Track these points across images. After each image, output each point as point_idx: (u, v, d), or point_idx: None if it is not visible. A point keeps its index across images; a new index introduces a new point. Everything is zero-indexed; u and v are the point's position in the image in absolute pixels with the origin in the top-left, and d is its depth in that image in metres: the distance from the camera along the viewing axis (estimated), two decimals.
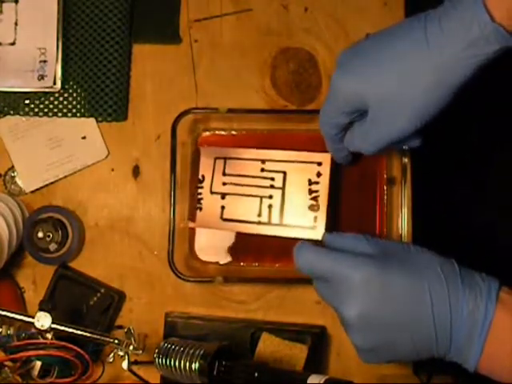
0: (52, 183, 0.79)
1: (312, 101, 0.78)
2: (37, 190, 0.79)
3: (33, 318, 0.65)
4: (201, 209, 0.76)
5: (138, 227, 0.78)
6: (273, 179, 0.75)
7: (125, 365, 0.67)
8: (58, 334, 0.66)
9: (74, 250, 0.76)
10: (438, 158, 1.03)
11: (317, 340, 0.74)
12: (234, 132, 0.77)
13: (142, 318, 0.77)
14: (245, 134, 0.77)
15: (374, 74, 0.58)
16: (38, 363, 0.67)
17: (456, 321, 0.54)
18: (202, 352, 0.66)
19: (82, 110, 0.78)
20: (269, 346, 0.73)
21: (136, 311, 0.78)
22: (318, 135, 0.76)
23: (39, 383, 0.68)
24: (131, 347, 0.67)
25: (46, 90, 0.78)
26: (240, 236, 0.76)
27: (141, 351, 0.68)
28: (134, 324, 0.73)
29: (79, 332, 0.66)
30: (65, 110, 0.78)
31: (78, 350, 0.66)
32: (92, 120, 0.79)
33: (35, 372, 0.68)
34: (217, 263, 0.76)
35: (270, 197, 0.75)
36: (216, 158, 0.76)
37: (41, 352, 0.66)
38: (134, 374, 0.70)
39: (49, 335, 0.66)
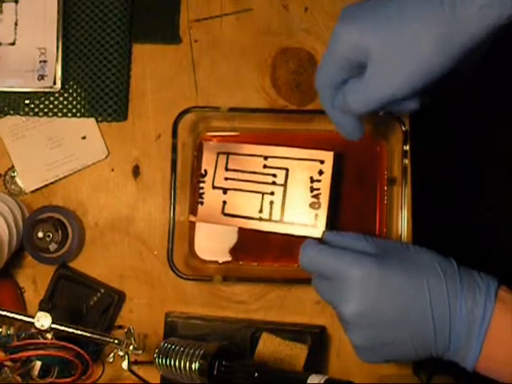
0: (52, 183, 0.79)
1: (312, 101, 0.78)
2: (37, 189, 0.79)
3: (33, 318, 0.65)
4: (202, 203, 0.76)
5: (138, 227, 0.78)
6: (275, 176, 0.75)
7: (125, 365, 0.67)
8: (58, 334, 0.66)
9: (73, 249, 0.76)
10: (438, 158, 1.03)
11: (317, 340, 0.74)
12: (234, 132, 0.77)
13: (142, 318, 0.77)
14: (245, 133, 0.77)
15: (380, 26, 0.55)
16: (38, 363, 0.67)
17: (455, 319, 0.54)
18: (202, 352, 0.66)
19: (82, 110, 0.78)
20: (269, 346, 0.73)
21: (136, 311, 0.78)
22: (319, 135, 0.77)
23: (39, 383, 0.68)
24: (131, 347, 0.67)
25: (46, 90, 0.78)
26: (240, 235, 0.76)
27: (141, 351, 0.68)
28: (134, 324, 0.73)
29: (79, 332, 0.66)
30: (65, 110, 0.78)
31: (78, 350, 0.66)
32: (92, 120, 0.79)
33: (35, 372, 0.68)
34: (216, 262, 0.76)
35: (272, 193, 0.75)
36: (219, 153, 0.76)
37: (41, 352, 0.66)
38: (134, 374, 0.70)
39: (49, 335, 0.65)
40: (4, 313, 0.65)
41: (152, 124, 0.79)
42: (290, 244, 0.75)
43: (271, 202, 0.75)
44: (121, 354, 0.67)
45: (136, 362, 0.73)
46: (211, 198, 0.76)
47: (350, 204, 0.76)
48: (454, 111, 1.05)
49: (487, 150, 1.06)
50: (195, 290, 0.77)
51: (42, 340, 0.66)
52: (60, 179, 0.79)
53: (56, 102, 0.78)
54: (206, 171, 0.76)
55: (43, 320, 0.65)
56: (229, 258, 0.76)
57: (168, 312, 0.76)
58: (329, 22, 0.78)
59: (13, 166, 0.79)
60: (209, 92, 0.79)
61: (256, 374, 0.63)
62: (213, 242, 0.77)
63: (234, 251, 0.76)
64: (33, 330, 0.66)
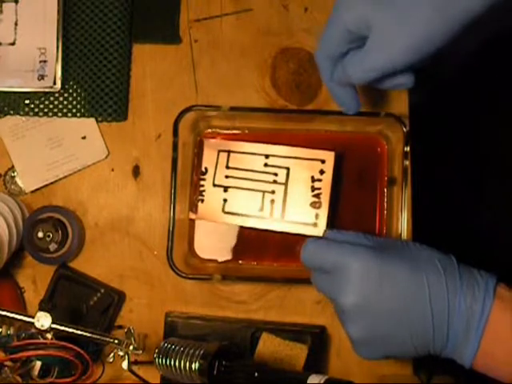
0: (52, 183, 0.79)
1: (312, 101, 0.78)
2: (37, 189, 0.79)
3: (33, 318, 0.65)
4: (202, 201, 0.76)
5: (138, 227, 0.78)
6: (276, 174, 0.75)
7: (125, 365, 0.67)
8: (58, 334, 0.66)
9: (74, 250, 0.76)
10: (438, 158, 1.03)
11: (317, 340, 0.74)
12: (235, 131, 0.77)
13: (142, 318, 0.77)
14: (246, 132, 0.77)
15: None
16: (38, 363, 0.67)
17: (453, 314, 0.54)
18: (202, 352, 0.66)
19: (82, 110, 0.78)
20: (269, 345, 0.73)
21: (136, 311, 0.78)
22: (320, 135, 0.77)
23: (39, 383, 0.68)
24: (131, 347, 0.67)
25: (46, 90, 0.78)
26: (239, 234, 0.76)
27: (141, 351, 0.68)
28: (134, 324, 0.73)
29: (79, 332, 0.66)
30: (65, 110, 0.78)
31: (78, 350, 0.66)
32: (92, 120, 0.79)
33: (35, 372, 0.68)
34: (215, 261, 0.76)
35: (273, 192, 0.75)
36: (220, 151, 0.76)
37: (41, 352, 0.65)
38: (134, 374, 0.70)
39: (49, 335, 0.65)
40: (4, 313, 0.65)
41: (152, 124, 0.79)
42: (289, 243, 0.75)
43: (272, 201, 0.75)
44: (121, 353, 0.67)
45: (136, 362, 0.73)
46: (211, 196, 0.76)
47: (351, 204, 0.76)
48: (454, 111, 1.05)
49: (487, 150, 1.06)
50: (195, 290, 0.77)
51: (42, 340, 0.66)
52: (60, 179, 0.79)
53: (56, 102, 0.78)
54: (206, 169, 0.76)
55: (43, 320, 0.64)
56: (228, 257, 0.76)
57: (168, 312, 0.76)
58: None
59: (13, 166, 0.79)
60: (209, 92, 0.79)
61: (256, 374, 0.63)
62: (212, 241, 0.77)
63: (233, 250, 0.76)
64: (33, 330, 0.66)
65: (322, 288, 0.60)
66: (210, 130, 0.77)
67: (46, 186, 0.79)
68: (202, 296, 0.77)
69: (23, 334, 0.66)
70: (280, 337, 0.73)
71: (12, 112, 0.78)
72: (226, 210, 0.76)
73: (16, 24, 0.79)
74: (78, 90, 0.78)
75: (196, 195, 0.76)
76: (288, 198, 0.75)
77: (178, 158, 0.74)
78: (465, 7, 0.53)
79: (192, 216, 0.76)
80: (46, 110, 0.78)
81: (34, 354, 0.65)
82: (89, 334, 0.67)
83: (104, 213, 0.78)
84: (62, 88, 0.78)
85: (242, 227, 0.76)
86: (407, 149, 0.72)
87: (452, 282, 0.55)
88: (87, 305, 0.76)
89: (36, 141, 0.79)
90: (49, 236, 0.73)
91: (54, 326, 0.65)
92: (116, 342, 0.67)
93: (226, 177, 0.76)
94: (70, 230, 0.75)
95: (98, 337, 0.67)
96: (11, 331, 0.66)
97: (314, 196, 0.74)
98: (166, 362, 0.67)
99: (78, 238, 0.76)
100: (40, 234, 0.73)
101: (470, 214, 1.05)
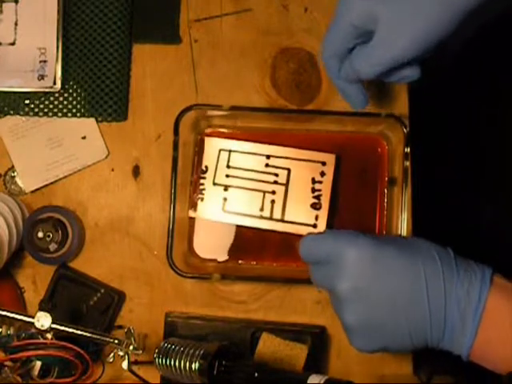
0: (52, 183, 0.79)
1: (312, 101, 0.78)
2: (37, 189, 0.79)
3: (33, 318, 0.65)
4: (202, 199, 0.76)
5: (138, 227, 0.78)
6: (277, 175, 0.75)
7: (125, 365, 0.67)
8: (58, 334, 0.66)
9: (74, 250, 0.76)
10: (438, 158, 1.03)
11: (317, 340, 0.74)
12: (235, 130, 0.77)
13: (142, 318, 0.77)
14: (246, 132, 0.77)
15: None
16: (38, 363, 0.67)
17: (450, 302, 0.54)
18: (202, 352, 0.66)
19: (82, 110, 0.78)
20: (269, 346, 0.73)
21: (136, 311, 0.78)
22: (320, 136, 0.77)
23: (39, 383, 0.68)
24: (131, 347, 0.67)
25: (46, 90, 0.78)
26: (239, 234, 0.76)
27: (141, 351, 0.68)
28: (134, 324, 0.73)
29: (79, 332, 0.66)
30: (65, 110, 0.78)
31: (78, 350, 0.66)
32: (92, 120, 0.79)
33: (35, 372, 0.68)
34: (215, 261, 0.76)
35: (273, 192, 0.75)
36: (221, 150, 0.76)
37: (41, 352, 0.65)
38: (134, 374, 0.70)
39: (49, 335, 0.65)
40: (4, 313, 0.65)
41: (152, 124, 0.79)
42: (289, 244, 0.75)
43: (272, 201, 0.75)
44: (121, 354, 0.67)
45: (136, 362, 0.73)
46: (211, 195, 0.76)
47: (351, 204, 0.76)
48: (454, 112, 1.05)
49: (487, 150, 1.06)
50: (195, 290, 0.77)
51: (42, 340, 0.66)
52: (60, 179, 0.79)
53: (56, 102, 0.78)
54: (206, 167, 0.77)
55: (43, 320, 0.64)
56: (227, 257, 0.76)
57: (168, 312, 0.76)
58: (329, 22, 0.78)
59: (13, 166, 0.79)
60: (209, 92, 0.79)
61: (256, 374, 0.63)
62: (212, 241, 0.77)
63: (233, 250, 0.76)
64: (33, 330, 0.66)
65: (320, 280, 0.59)
66: (210, 130, 0.77)
67: (46, 185, 0.79)
68: (202, 296, 0.77)
69: (23, 334, 0.66)
70: (280, 337, 0.73)
71: (12, 112, 0.78)
72: (226, 209, 0.76)
73: (16, 24, 0.79)
74: (78, 90, 0.78)
75: (196, 193, 0.76)
76: (288, 198, 0.75)
77: (179, 157, 0.74)
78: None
79: (192, 214, 0.76)
80: (46, 110, 0.78)
81: (34, 354, 0.65)
82: (89, 334, 0.67)
83: (104, 213, 0.78)
84: (62, 88, 0.78)
85: (241, 227, 0.76)
86: (407, 149, 0.72)
87: (448, 269, 0.55)
88: (87, 305, 0.76)
89: (36, 141, 0.79)
90: (49, 236, 0.73)
91: (53, 326, 0.65)
92: (116, 342, 0.67)
93: (227, 176, 0.76)
94: (70, 230, 0.75)
95: (98, 337, 0.67)
96: (11, 331, 0.66)
97: (315, 197, 0.74)
98: (165, 362, 0.67)
99: (78, 238, 0.76)
100: (40, 234, 0.73)
101: (470, 214, 1.05)
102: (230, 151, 0.76)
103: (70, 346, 0.65)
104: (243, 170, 0.76)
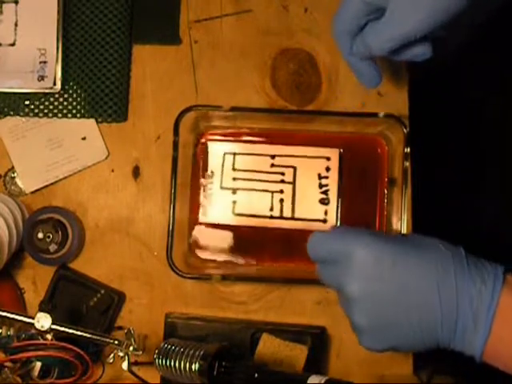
0: (52, 184, 0.79)
1: (312, 101, 0.78)
2: (37, 190, 0.79)
3: (33, 318, 0.65)
4: (211, 204, 0.76)
5: (138, 228, 0.78)
6: (283, 174, 0.76)
7: (125, 365, 0.67)
8: (58, 335, 0.66)
9: (74, 250, 0.76)
10: (438, 159, 1.03)
11: (317, 341, 0.74)
12: (235, 130, 0.77)
13: (142, 319, 0.77)
14: (246, 132, 0.77)
15: None
16: (38, 364, 0.67)
17: (462, 301, 0.53)
18: (202, 353, 0.66)
19: (82, 111, 0.78)
20: (269, 346, 0.73)
21: (136, 312, 0.78)
22: (320, 136, 0.77)
23: None
24: (131, 348, 0.67)
25: (46, 90, 0.78)
26: (239, 235, 0.76)
27: (141, 352, 0.68)
28: (134, 325, 0.73)
29: (79, 333, 0.66)
30: (65, 111, 0.78)
31: (78, 350, 0.66)
32: (92, 121, 0.79)
33: (35, 373, 0.68)
34: (215, 261, 0.76)
35: (281, 191, 0.76)
36: (225, 154, 0.77)
37: (41, 353, 0.65)
38: (134, 374, 0.70)
39: (49, 336, 0.65)
40: (4, 314, 0.65)
41: (152, 125, 0.79)
42: (288, 243, 0.75)
43: (281, 200, 0.76)
44: (121, 354, 0.67)
45: (136, 363, 0.73)
46: (220, 199, 0.76)
47: (351, 204, 0.76)
48: (454, 112, 1.05)
49: (487, 151, 1.06)
50: (195, 291, 0.77)
51: (41, 341, 0.66)
52: (60, 180, 0.79)
53: (56, 103, 0.78)
54: (212, 172, 0.77)
55: (43, 321, 0.64)
56: (227, 258, 0.76)
57: (168, 313, 0.76)
58: (329, 23, 0.78)
59: (13, 167, 0.79)
60: (209, 93, 0.79)
61: (256, 375, 0.63)
62: (212, 241, 0.77)
63: (233, 250, 0.76)
64: (33, 331, 0.66)
65: (329, 279, 0.58)
66: (211, 131, 0.77)
67: (46, 186, 0.79)
68: (202, 297, 0.77)
69: (23, 335, 0.66)
70: (280, 337, 0.73)
71: (12, 113, 0.78)
72: (237, 211, 0.76)
73: (16, 25, 0.79)
74: (78, 91, 0.78)
75: (205, 199, 0.76)
76: (297, 196, 0.76)
77: (178, 158, 0.74)
78: None
79: (203, 220, 0.76)
80: (45, 111, 0.78)
81: (34, 354, 0.65)
82: (89, 335, 0.67)
83: (104, 213, 0.78)
84: (62, 89, 0.78)
85: (241, 227, 0.76)
86: (407, 150, 0.72)
87: (460, 268, 0.54)
88: (87, 305, 0.76)
89: (36, 141, 0.79)
90: (49, 237, 0.73)
91: (53, 326, 0.65)
92: (116, 342, 0.67)
93: (234, 179, 0.76)
94: (70, 230, 0.75)
95: (98, 337, 0.67)
96: (11, 332, 0.66)
97: (322, 193, 0.75)
98: (165, 362, 0.67)
99: (78, 238, 0.76)
100: (40, 235, 0.73)
101: (470, 215, 1.05)
102: (234, 154, 0.77)
103: (70, 346, 0.65)
104: (249, 172, 0.76)
